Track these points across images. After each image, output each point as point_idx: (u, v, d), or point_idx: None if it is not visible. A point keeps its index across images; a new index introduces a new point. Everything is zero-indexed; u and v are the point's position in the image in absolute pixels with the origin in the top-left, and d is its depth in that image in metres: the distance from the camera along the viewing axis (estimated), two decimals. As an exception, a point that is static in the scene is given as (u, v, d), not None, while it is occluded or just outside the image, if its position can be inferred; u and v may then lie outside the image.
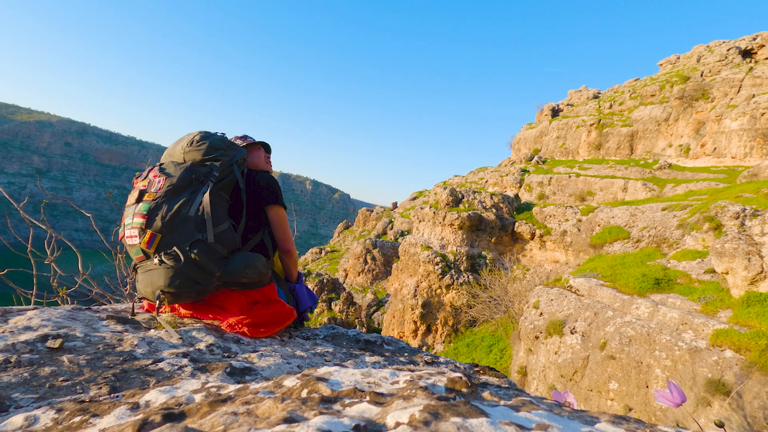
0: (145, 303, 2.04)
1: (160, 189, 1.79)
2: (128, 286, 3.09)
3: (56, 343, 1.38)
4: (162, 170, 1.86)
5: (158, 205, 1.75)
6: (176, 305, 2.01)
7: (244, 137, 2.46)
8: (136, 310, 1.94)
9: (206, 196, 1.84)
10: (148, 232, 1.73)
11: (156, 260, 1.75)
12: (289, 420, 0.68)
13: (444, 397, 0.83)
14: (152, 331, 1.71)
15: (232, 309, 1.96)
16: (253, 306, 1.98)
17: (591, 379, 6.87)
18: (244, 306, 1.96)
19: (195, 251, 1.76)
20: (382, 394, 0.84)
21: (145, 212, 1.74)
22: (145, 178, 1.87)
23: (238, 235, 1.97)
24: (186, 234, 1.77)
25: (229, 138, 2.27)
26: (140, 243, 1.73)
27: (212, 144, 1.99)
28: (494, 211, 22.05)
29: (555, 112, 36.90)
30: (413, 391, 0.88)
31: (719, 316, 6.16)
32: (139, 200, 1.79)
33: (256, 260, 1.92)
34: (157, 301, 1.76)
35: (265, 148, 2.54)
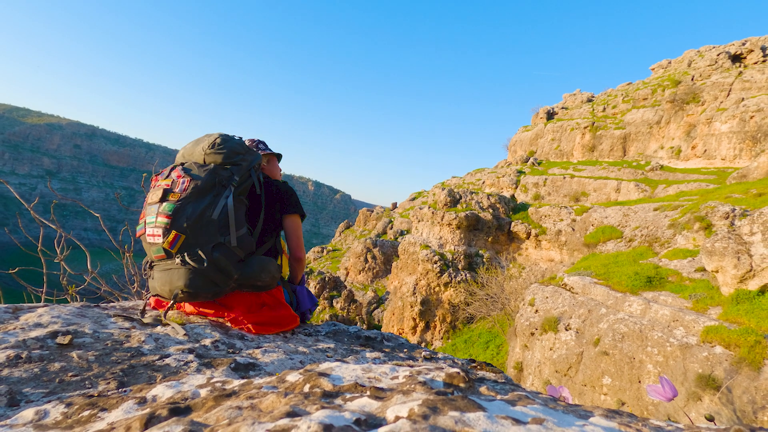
0: (152, 300, 2.04)
1: (185, 190, 1.76)
2: (135, 284, 3.09)
3: (66, 340, 1.38)
4: (187, 171, 1.83)
5: (183, 206, 1.73)
6: (182, 303, 2.01)
7: (258, 142, 2.44)
8: (145, 309, 1.92)
9: (230, 200, 1.84)
10: (173, 232, 1.70)
11: (178, 260, 1.73)
12: (292, 414, 0.68)
13: (442, 392, 0.83)
14: (159, 327, 1.71)
15: (240, 308, 1.96)
16: (261, 307, 1.98)
17: (585, 375, 6.87)
18: (253, 307, 1.97)
19: (216, 254, 1.76)
20: (382, 389, 0.84)
21: (170, 212, 1.71)
22: (168, 176, 1.83)
23: (254, 239, 1.97)
24: (209, 236, 1.76)
25: (245, 141, 2.28)
26: (163, 242, 1.71)
27: (232, 148, 1.97)
28: (491, 211, 22.05)
29: (550, 115, 36.89)
30: (412, 386, 0.88)
31: (709, 313, 6.16)
32: (163, 199, 1.75)
33: (270, 265, 1.94)
34: (172, 300, 1.76)
35: (278, 158, 2.55)
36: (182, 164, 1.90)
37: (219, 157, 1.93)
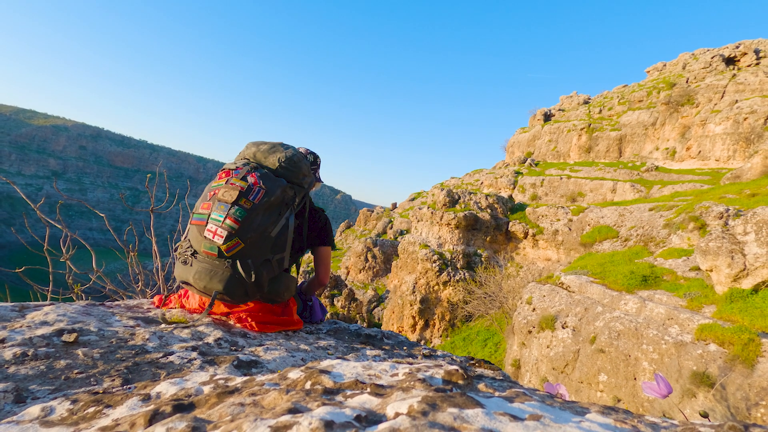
0: (156, 298, 2.04)
1: (258, 200, 1.74)
2: (140, 283, 3.09)
3: (71, 337, 1.38)
4: (264, 181, 1.79)
5: (253, 217, 1.72)
6: (185, 300, 2.00)
7: (313, 157, 2.29)
8: (164, 316, 1.83)
9: (291, 221, 1.85)
10: (236, 239, 1.69)
11: (227, 264, 1.72)
12: (294, 410, 0.68)
13: (441, 389, 0.83)
14: (163, 325, 1.71)
15: (246, 309, 1.96)
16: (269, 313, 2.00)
17: (581, 372, 6.87)
18: (263, 311, 1.97)
19: (262, 269, 1.76)
20: (382, 386, 0.83)
21: (240, 219, 1.69)
22: (244, 178, 1.78)
23: (288, 258, 1.97)
24: (262, 251, 1.77)
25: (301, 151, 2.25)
26: (224, 244, 1.69)
27: (302, 170, 1.96)
28: (489, 211, 22.05)
29: (547, 117, 36.89)
30: (412, 383, 0.88)
31: (704, 311, 6.16)
32: (236, 202, 1.71)
33: (293, 284, 1.96)
34: (211, 299, 1.76)
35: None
36: (257, 169, 1.85)
37: (290, 175, 1.91)
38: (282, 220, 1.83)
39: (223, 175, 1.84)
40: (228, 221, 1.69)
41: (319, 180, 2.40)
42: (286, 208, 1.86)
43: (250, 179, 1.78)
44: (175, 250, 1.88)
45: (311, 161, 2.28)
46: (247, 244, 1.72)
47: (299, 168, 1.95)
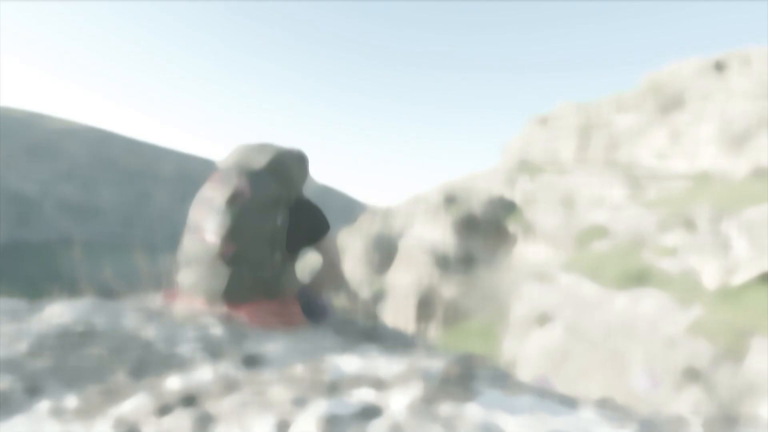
0: (164, 295, 2.04)
1: (249, 201, 1.74)
2: (149, 280, 3.10)
3: (82, 333, 1.38)
4: (252, 182, 1.80)
5: (246, 218, 1.72)
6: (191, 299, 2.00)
7: (302, 156, 2.38)
8: (162, 306, 1.88)
9: (283, 219, 1.85)
10: (232, 241, 1.69)
11: (226, 267, 1.72)
12: (297, 404, 0.68)
13: (439, 383, 0.83)
14: (170, 321, 1.71)
15: (250, 307, 1.95)
16: (271, 311, 1.99)
17: (575, 366, 6.87)
18: (265, 308, 1.97)
19: (260, 268, 1.77)
20: (382, 380, 0.83)
21: (233, 221, 1.70)
22: (233, 181, 1.79)
23: (285, 255, 1.97)
24: (259, 250, 1.77)
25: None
26: (220, 248, 1.69)
27: (290, 167, 1.96)
28: (486, 211, 22.07)
29: (543, 121, 36.92)
30: (411, 377, 0.88)
31: (694, 307, 6.16)
32: (228, 205, 1.72)
33: (294, 280, 1.96)
34: (212, 302, 1.77)
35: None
36: (245, 170, 1.86)
37: (278, 174, 1.91)
38: (275, 218, 1.83)
39: (213, 180, 1.85)
40: (222, 225, 1.69)
41: (307, 178, 2.40)
42: (278, 206, 1.86)
43: (240, 181, 1.79)
44: (174, 258, 1.90)
45: (298, 159, 2.28)
46: (243, 245, 1.72)
47: (286, 166, 1.95)
